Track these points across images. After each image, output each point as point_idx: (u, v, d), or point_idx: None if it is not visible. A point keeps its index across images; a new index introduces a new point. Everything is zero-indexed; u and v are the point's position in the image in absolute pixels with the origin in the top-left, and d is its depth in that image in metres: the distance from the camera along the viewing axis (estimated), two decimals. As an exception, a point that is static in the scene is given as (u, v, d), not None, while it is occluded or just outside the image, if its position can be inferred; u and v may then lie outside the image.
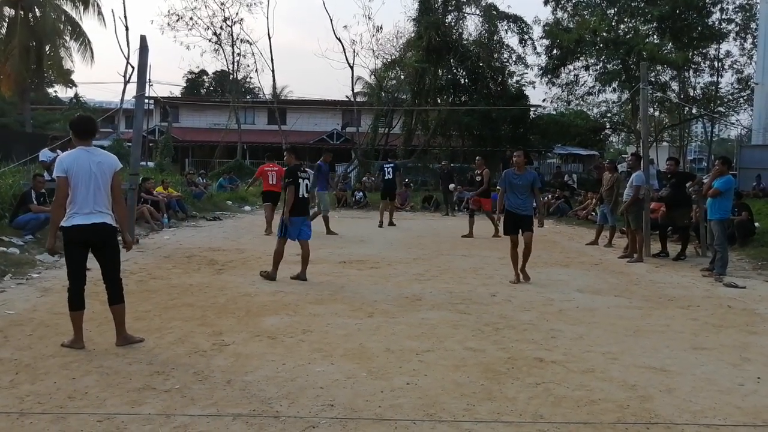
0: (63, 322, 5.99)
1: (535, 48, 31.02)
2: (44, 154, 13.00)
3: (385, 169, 17.23)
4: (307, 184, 8.73)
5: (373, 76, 32.93)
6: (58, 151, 12.97)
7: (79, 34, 30.78)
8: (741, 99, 32.28)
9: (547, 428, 3.85)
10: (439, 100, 31.00)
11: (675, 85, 32.59)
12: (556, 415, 4.07)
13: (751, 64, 31.09)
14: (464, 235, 14.15)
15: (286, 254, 8.57)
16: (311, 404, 4.14)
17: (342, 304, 7.09)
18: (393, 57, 31.02)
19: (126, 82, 29.77)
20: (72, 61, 32.07)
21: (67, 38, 30.84)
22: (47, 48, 29.79)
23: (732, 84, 33.12)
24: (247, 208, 20.77)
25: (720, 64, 32.44)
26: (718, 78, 33.10)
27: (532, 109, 32.72)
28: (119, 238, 5.45)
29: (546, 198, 21.34)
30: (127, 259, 9.68)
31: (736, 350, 5.65)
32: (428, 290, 8.04)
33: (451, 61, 29.77)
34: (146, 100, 17.22)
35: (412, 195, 22.95)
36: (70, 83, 34.80)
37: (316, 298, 7.37)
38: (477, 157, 16.21)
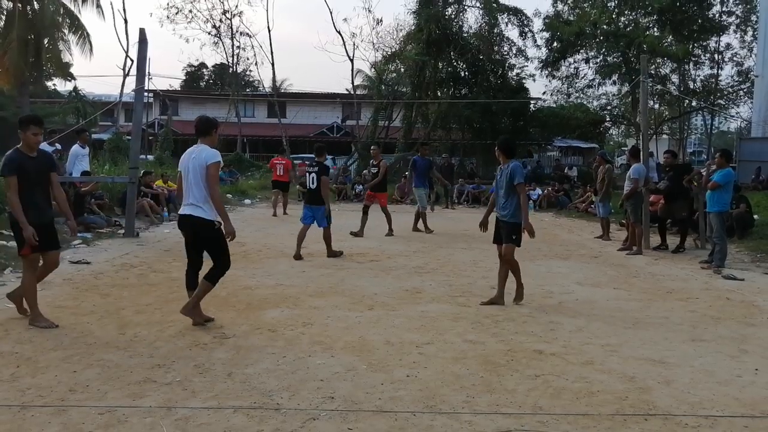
0: (64, 315, 6.03)
1: (536, 41, 31.01)
2: (43, 148, 13.03)
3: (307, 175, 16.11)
4: (313, 177, 9.78)
5: (373, 69, 32.88)
6: (57, 144, 13.01)
7: (77, 27, 30.64)
8: (741, 91, 32.26)
9: (546, 420, 3.88)
10: (439, 93, 30.94)
11: (675, 78, 32.58)
12: (555, 406, 4.10)
13: (751, 56, 31.10)
14: (354, 232, 12.48)
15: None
16: (312, 396, 4.16)
17: (342, 297, 7.11)
18: (393, 50, 30.97)
19: (125, 75, 29.75)
20: (71, 54, 32.02)
21: (66, 31, 30.71)
22: (46, 41, 29.66)
23: (732, 76, 33.16)
24: (247, 201, 20.78)
25: (720, 56, 32.45)
26: (718, 70, 33.10)
27: (532, 101, 32.69)
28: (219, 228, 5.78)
29: (546, 191, 21.37)
30: (127, 253, 9.75)
31: (734, 342, 5.68)
32: (428, 283, 8.06)
33: (452, 54, 29.70)
34: (145, 94, 17.20)
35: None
36: (69, 76, 34.66)
37: (317, 291, 7.39)
38: (372, 147, 14.41)
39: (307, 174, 10.05)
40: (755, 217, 13.66)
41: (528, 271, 8.98)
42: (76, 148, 12.47)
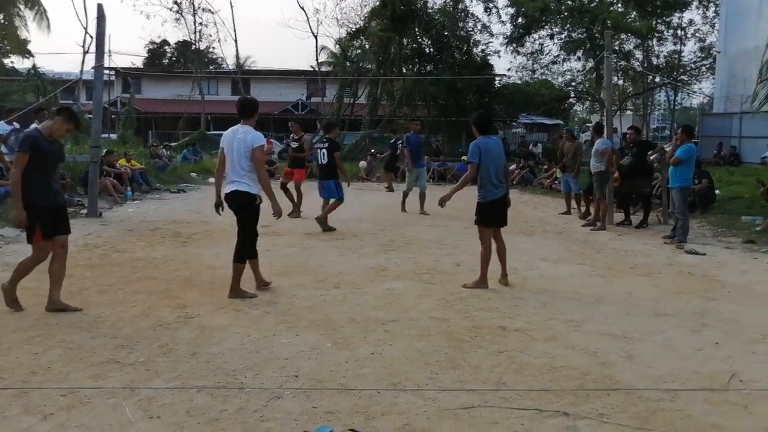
0: (26, 296, 5.86)
1: (500, 16, 31.06)
2: (0, 127, 12.62)
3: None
4: (324, 153, 10.38)
5: (337, 46, 32.56)
6: (15, 123, 12.61)
7: (34, 2, 29.71)
8: (703, 67, 32.72)
9: (509, 395, 3.91)
10: (404, 70, 30.83)
11: (639, 54, 32.89)
12: (519, 382, 4.13)
13: (713, 32, 31.48)
14: (290, 214, 11.43)
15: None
16: (276, 375, 4.14)
17: (307, 276, 7.07)
18: (357, 26, 30.71)
19: (85, 53, 28.97)
20: (27, 31, 31.07)
21: (22, 6, 29.78)
22: (1, 17, 28.76)
23: (695, 52, 33.58)
24: (212, 179, 20.48)
25: (683, 32, 32.80)
26: (681, 46, 33.49)
27: (497, 78, 32.76)
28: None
29: (511, 168, 21.47)
30: (90, 233, 9.56)
31: (695, 316, 5.79)
32: (394, 261, 8.06)
33: (416, 30, 29.57)
34: (106, 71, 16.79)
35: (378, 166, 22.85)
36: (27, 53, 33.64)
37: (282, 270, 7.33)
38: (290, 123, 13.53)
39: (318, 150, 10.56)
40: (717, 192, 13.93)
41: (493, 248, 9.04)
42: (32, 128, 12.09)
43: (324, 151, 10.40)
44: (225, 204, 6.19)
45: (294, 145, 12.44)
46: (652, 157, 11.95)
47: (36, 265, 5.56)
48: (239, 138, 6.03)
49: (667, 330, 5.36)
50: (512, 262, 7.12)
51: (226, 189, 6.12)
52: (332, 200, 10.56)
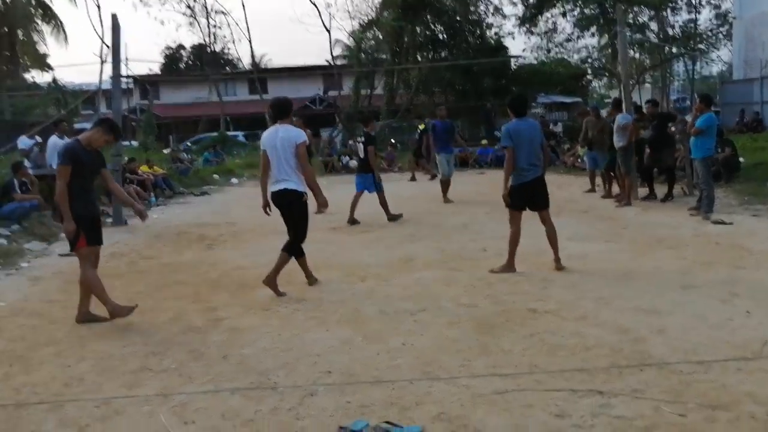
0: (55, 309, 5.99)
1: (511, -2, 30.59)
2: (23, 141, 12.86)
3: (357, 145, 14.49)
4: (361, 147, 10.60)
5: (351, 39, 32.51)
6: (37, 137, 12.83)
7: (50, 16, 30.07)
8: (720, 34, 32.03)
9: (542, 378, 3.90)
10: (419, 58, 30.63)
11: (654, 26, 32.31)
12: (551, 364, 4.12)
13: (728, -2, 30.79)
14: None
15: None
16: (308, 372, 4.17)
17: (334, 271, 7.09)
18: (369, 17, 30.61)
19: (102, 62, 29.16)
20: (46, 45, 31.49)
21: (39, 21, 30.16)
22: (20, 33, 29.16)
23: (710, 20, 32.80)
24: (234, 180, 20.62)
25: (697, 0, 32.13)
26: (696, 15, 32.76)
27: (512, 60, 32.42)
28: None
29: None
30: (116, 242, 9.67)
31: (724, 286, 5.72)
32: (420, 250, 8.05)
33: (428, 17, 29.33)
34: (124, 80, 16.99)
35: (399, 155, 22.80)
36: (47, 67, 34.06)
37: (309, 267, 7.35)
38: (295, 118, 12.82)
39: (357, 144, 11.00)
40: (741, 160, 13.69)
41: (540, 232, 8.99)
42: (54, 139, 12.20)
43: (360, 145, 10.70)
44: (272, 204, 6.30)
45: None
46: (673, 129, 11.79)
47: (94, 271, 5.51)
48: (281, 137, 6.09)
49: (696, 302, 5.31)
50: (539, 243, 7.07)
51: (274, 188, 6.20)
52: (377, 195, 10.44)
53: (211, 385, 4.03)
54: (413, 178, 18.21)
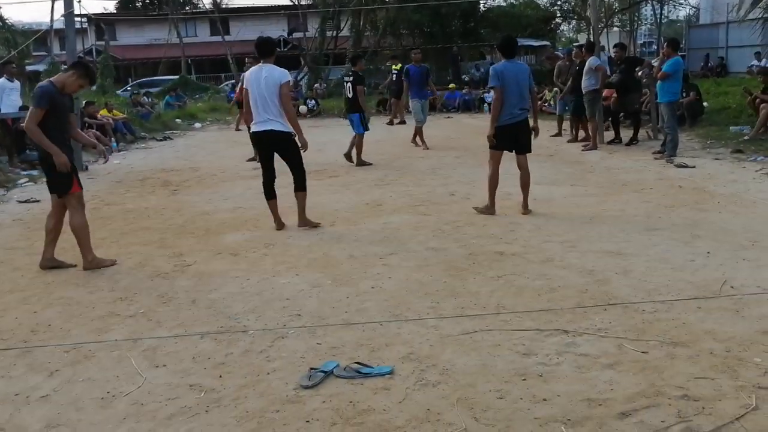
0: (17, 256, 5.88)
1: (482, -65, 30.01)
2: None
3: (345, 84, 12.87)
4: (349, 86, 10.44)
5: (316, -23, 31.67)
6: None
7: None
8: (689, -23, 32.02)
9: (509, 318, 3.97)
10: (386, -1, 30.06)
11: (624, -33, 32.11)
12: (518, 304, 4.19)
13: (698, -60, 30.65)
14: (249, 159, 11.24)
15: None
16: (278, 316, 4.18)
17: (302, 216, 7.05)
18: (336, -46, 29.76)
19: (53, 0, 28.13)
20: (-8, -19, 30.04)
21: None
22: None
23: (680, -38, 32.75)
24: (198, 125, 20.24)
25: (668, -58, 31.92)
26: (666, -43, 32.63)
27: (481, 2, 32.03)
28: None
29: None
30: (78, 187, 9.45)
31: (687, 228, 5.85)
32: (388, 195, 8.05)
33: (397, -45, 28.69)
34: (78, 19, 16.28)
35: (366, 98, 22.58)
36: (-7, 5, 32.65)
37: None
38: (247, 59, 12.70)
39: (345, 83, 10.71)
40: (705, 104, 13.86)
41: (485, 174, 9.02)
42: (2, 81, 11.67)
43: (349, 84, 10.49)
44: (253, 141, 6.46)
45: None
46: (640, 73, 11.84)
47: (84, 216, 5.42)
48: (265, 77, 6.08)
49: (660, 243, 5.42)
50: (505, 187, 7.12)
51: (259, 127, 6.21)
52: (356, 135, 10.51)
53: (180, 330, 4.02)
54: (400, 122, 17.24)
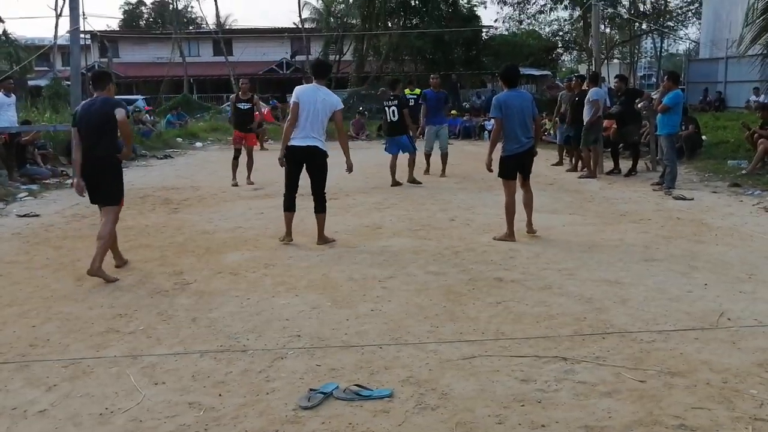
0: (17, 270, 5.90)
1: (486, -35, 30.45)
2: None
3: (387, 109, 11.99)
4: (393, 110, 10.69)
5: (320, 1, 32.05)
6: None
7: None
8: (690, 12, 32.43)
9: (508, 344, 3.98)
10: (390, 24, 30.41)
11: (625, 1, 32.51)
12: (517, 331, 4.21)
13: (698, -24, 31.08)
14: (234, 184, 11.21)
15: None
16: (278, 336, 4.19)
17: (303, 237, 7.07)
18: (340, -20, 30.18)
19: (58, 16, 28.47)
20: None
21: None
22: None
23: (681, -2, 33.18)
24: (198, 144, 20.34)
25: (669, -23, 32.41)
26: (667, -8, 33.08)
27: (484, 30, 32.40)
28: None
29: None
30: (77, 203, 9.49)
31: (685, 259, 5.88)
32: (388, 218, 8.09)
33: (401, -19, 29.08)
34: (82, 35, 16.37)
35: (367, 123, 22.73)
36: (-3, 19, 32.78)
37: (277, 233, 7.31)
38: (242, 80, 12.28)
39: (387, 108, 10.85)
40: (703, 137, 13.98)
41: (485, 201, 9.10)
42: None
43: (393, 108, 10.70)
44: (289, 155, 6.53)
45: (244, 106, 11.36)
46: (639, 105, 11.97)
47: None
48: (323, 99, 6.44)
49: (658, 274, 5.45)
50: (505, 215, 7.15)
51: (302, 142, 6.42)
52: (408, 155, 10.90)
53: (180, 347, 4.02)
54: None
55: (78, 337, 4.23)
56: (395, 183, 10.81)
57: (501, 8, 31.92)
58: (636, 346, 3.92)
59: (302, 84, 6.94)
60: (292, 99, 6.59)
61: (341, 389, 3.36)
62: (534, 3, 31.73)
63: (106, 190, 5.74)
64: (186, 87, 34.27)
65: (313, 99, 6.41)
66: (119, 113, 5.50)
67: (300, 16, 33.05)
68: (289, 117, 6.59)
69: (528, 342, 4.02)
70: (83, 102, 5.91)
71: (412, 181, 10.93)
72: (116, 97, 5.99)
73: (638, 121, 12.09)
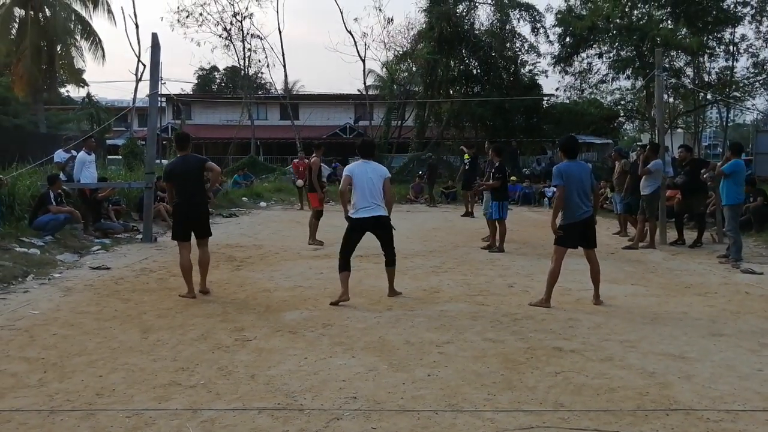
0: (87, 321, 6.12)
1: (548, 36, 30.82)
2: (58, 155, 13.16)
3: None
4: (489, 176, 11.03)
5: (384, 69, 32.95)
6: (72, 151, 13.11)
7: (89, 33, 30.84)
8: (757, 83, 31.90)
9: (567, 416, 3.90)
10: (451, 92, 30.92)
11: (689, 71, 32.27)
12: (576, 403, 4.12)
13: (766, 47, 30.71)
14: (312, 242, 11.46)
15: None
16: (334, 397, 4.21)
17: (361, 298, 7.15)
18: (404, 49, 31.04)
19: (138, 81, 30.02)
20: (83, 61, 32.18)
21: (78, 37, 30.91)
22: (58, 48, 29.91)
23: (747, 68, 32.70)
24: (263, 204, 20.89)
25: (735, 48, 32.02)
26: (733, 62, 32.64)
27: (545, 98, 32.56)
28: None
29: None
30: (146, 258, 9.85)
31: (754, 336, 5.67)
32: (446, 282, 8.09)
33: (463, 51, 29.66)
34: (159, 98, 17.32)
35: (426, 188, 22.93)
36: (82, 83, 34.79)
37: (335, 293, 7.40)
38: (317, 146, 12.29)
39: (491, 174, 11.12)
40: (772, 209, 13.54)
41: (545, 268, 8.97)
42: (81, 154, 12.35)
43: (499, 175, 10.88)
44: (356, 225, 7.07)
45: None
46: (705, 176, 11.74)
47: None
48: (373, 170, 7.09)
49: (725, 350, 5.26)
50: (565, 283, 7.09)
51: (366, 213, 6.97)
52: (496, 222, 10.93)
53: (239, 403, 4.09)
54: (469, 213, 17.22)
55: (142, 389, 4.35)
56: (501, 248, 10.88)
57: (562, 77, 32.05)
58: (702, 425, 3.78)
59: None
60: (345, 173, 7.18)
61: (396, 453, 3.34)
62: (596, 72, 31.81)
63: (204, 226, 7.49)
64: (253, 148, 35.37)
65: (366, 173, 7.03)
66: (211, 163, 7.31)
67: (364, 82, 33.95)
68: (341, 184, 7.29)
69: (588, 415, 3.93)
70: (174, 161, 7.47)
71: (499, 249, 10.85)
72: None
73: (703, 191, 11.85)
